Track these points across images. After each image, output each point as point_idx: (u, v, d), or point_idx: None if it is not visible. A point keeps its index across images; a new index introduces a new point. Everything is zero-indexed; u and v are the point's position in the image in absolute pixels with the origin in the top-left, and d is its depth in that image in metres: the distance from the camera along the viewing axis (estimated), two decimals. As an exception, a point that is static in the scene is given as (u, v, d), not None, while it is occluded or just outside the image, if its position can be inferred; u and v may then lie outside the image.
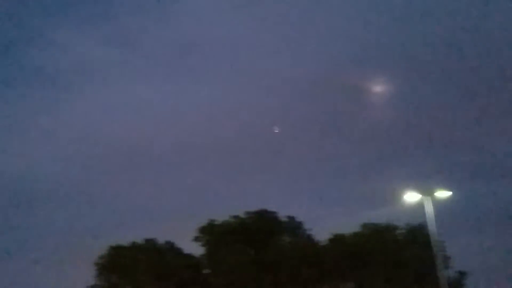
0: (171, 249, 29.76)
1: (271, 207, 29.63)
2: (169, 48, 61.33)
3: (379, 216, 30.20)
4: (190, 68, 60.53)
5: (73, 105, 53.42)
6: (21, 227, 39.53)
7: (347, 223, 31.10)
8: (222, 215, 29.09)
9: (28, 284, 32.63)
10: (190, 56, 61.63)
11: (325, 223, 33.55)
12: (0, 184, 42.68)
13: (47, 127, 50.54)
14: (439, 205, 17.80)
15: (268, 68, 51.82)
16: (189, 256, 29.56)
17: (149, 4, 62.85)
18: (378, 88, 47.05)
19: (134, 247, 29.44)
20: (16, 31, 57.37)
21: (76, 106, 53.18)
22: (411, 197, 17.65)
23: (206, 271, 29.62)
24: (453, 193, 17.78)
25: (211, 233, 28.73)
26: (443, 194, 17.56)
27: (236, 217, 28.70)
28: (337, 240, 29.07)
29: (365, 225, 29.44)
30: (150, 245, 29.57)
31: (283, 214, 29.68)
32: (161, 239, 30.25)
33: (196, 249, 29.58)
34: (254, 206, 29.46)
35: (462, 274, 28.33)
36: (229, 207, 31.34)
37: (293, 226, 29.67)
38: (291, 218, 29.65)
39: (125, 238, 30.46)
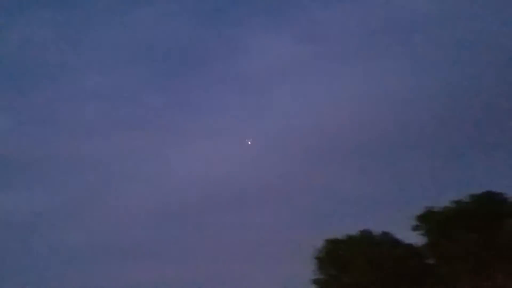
0: (387, 239, 29.11)
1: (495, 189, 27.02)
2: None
3: None
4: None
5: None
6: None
7: None
8: (438, 202, 27.51)
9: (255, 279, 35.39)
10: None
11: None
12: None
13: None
14: None
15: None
16: (409, 246, 28.49)
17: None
18: None
19: (349, 239, 29.62)
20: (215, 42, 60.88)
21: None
22: None
23: (429, 261, 28.24)
24: None
25: (431, 221, 27.19)
26: None
27: (458, 202, 26.72)
28: None
29: None
30: (365, 236, 29.38)
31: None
32: (373, 229, 30.02)
33: (413, 239, 28.52)
34: (467, 190, 27.25)
35: None
36: (443, 192, 29.53)
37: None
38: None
39: (337, 230, 31.14)
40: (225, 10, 62.86)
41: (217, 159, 51.06)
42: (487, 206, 25.99)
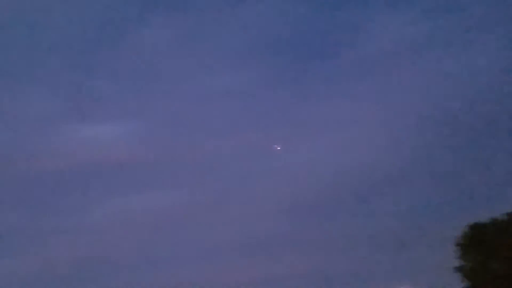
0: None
1: None
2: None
3: None
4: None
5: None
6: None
7: None
8: None
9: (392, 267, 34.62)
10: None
11: None
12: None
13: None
14: None
15: None
16: None
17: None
18: None
19: (495, 223, 27.41)
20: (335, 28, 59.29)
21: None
22: None
23: None
24: None
25: None
26: None
27: None
28: None
29: None
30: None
31: None
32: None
33: None
34: None
35: None
36: None
37: None
38: None
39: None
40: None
41: (347, 149, 50.42)
42: None
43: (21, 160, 47.74)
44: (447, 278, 28.79)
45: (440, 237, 31.75)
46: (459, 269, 28.08)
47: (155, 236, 46.19)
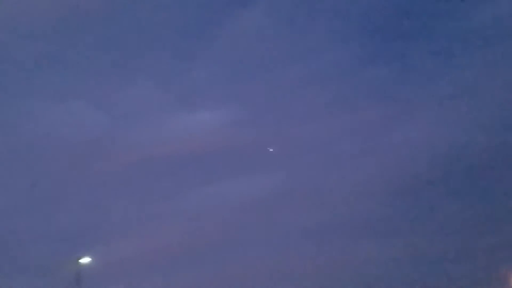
0: None
1: None
2: None
3: None
4: None
5: None
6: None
7: None
8: None
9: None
10: None
11: None
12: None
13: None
14: None
15: None
16: None
17: None
18: None
19: None
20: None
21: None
22: None
23: None
24: None
25: None
26: None
27: None
28: None
29: None
30: None
31: None
32: None
33: None
34: None
35: None
36: None
37: None
38: None
39: None
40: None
41: (454, 125, 46.75)
42: None
43: (125, 149, 50.62)
44: None
45: None
46: None
47: (251, 221, 46.49)
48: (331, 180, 48.46)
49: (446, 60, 51.71)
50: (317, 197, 47.07)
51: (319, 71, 53.96)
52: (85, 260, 32.11)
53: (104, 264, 35.53)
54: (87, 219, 43.53)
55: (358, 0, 55.57)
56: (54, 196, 46.15)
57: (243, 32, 55.59)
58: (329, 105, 54.22)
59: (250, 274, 41.10)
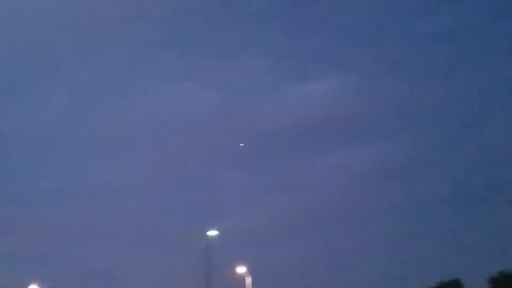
0: None
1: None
2: None
3: None
4: None
5: None
6: None
7: None
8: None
9: None
10: None
11: None
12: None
13: None
14: None
15: None
16: None
17: None
18: None
19: None
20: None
21: None
22: None
23: None
24: None
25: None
26: None
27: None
28: None
29: None
30: None
31: None
32: None
33: None
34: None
35: None
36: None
37: None
38: None
39: None
40: None
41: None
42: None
43: (243, 121, 51.46)
44: None
45: None
46: None
47: (376, 188, 45.24)
48: (458, 146, 45.56)
49: None
50: (443, 164, 44.58)
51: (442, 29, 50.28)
52: (213, 232, 33.28)
53: (229, 236, 36.82)
54: (210, 194, 45.83)
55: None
56: (178, 173, 49.14)
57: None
58: (444, 66, 50.35)
59: (375, 242, 40.40)
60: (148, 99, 51.10)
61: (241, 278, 35.23)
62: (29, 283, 29.99)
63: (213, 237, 33.61)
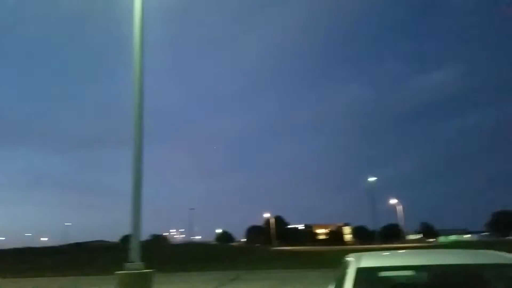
0: None
1: None
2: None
3: None
4: None
5: None
6: None
7: None
8: None
9: None
10: None
11: None
12: None
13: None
14: None
15: None
16: None
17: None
18: None
19: None
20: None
21: None
22: None
23: None
24: None
25: None
26: None
27: None
28: None
29: None
30: None
31: None
32: None
33: None
34: None
35: None
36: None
37: None
38: None
39: None
40: None
41: None
42: None
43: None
44: None
45: None
46: None
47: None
48: None
49: None
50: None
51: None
52: (372, 179, 40.02)
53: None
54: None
55: None
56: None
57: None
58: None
59: None
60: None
61: (394, 207, 54.56)
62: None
63: (372, 183, 40.98)
